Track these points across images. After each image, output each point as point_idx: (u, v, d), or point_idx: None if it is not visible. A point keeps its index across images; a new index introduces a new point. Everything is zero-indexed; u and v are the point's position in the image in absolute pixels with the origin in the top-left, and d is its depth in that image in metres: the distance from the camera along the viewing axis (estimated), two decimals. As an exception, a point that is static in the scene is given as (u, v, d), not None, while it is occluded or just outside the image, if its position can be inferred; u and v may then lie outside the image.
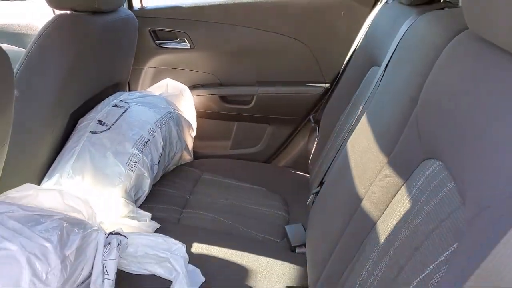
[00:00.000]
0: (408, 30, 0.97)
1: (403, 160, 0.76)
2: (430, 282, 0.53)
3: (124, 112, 1.35)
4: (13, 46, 1.94)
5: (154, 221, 1.18)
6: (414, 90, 0.77)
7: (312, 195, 1.19)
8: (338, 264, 0.84)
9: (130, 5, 1.73)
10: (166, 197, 1.35)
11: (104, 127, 1.28)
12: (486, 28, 0.58)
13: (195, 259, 1.04)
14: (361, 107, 1.10)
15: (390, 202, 0.76)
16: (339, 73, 1.58)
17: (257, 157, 1.84)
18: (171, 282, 0.96)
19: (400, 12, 1.12)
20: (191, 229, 1.20)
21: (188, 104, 1.69)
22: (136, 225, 1.12)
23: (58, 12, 1.31)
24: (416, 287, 0.55)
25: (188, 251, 1.05)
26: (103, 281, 0.86)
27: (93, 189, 1.17)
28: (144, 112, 1.39)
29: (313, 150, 1.56)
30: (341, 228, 0.86)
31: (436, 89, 0.69)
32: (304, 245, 1.14)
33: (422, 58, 0.80)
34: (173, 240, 1.01)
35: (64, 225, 0.84)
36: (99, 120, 1.31)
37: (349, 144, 1.02)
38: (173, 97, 1.61)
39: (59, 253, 0.77)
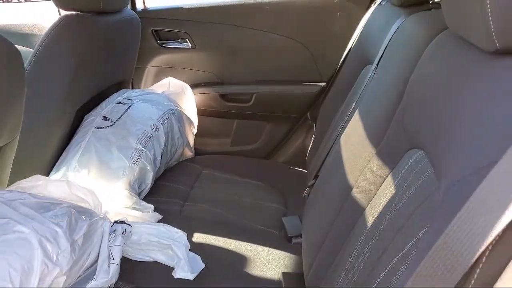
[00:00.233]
0: (397, 30, 1.02)
1: (389, 151, 0.81)
2: (409, 257, 0.58)
3: (128, 108, 1.41)
4: (20, 46, 2.00)
5: (157, 213, 1.23)
6: (400, 86, 0.83)
7: (307, 188, 1.24)
8: (330, 250, 0.89)
9: (134, 6, 1.78)
10: (168, 190, 1.40)
11: (109, 123, 1.34)
12: (462, 28, 0.63)
13: (195, 248, 1.09)
14: (353, 104, 1.16)
15: (378, 189, 0.81)
16: (335, 72, 1.63)
17: (256, 154, 1.89)
18: (173, 268, 1.02)
19: (392, 13, 1.17)
20: (192, 220, 1.25)
21: (189, 102, 1.74)
22: (139, 216, 1.17)
23: (64, 12, 1.36)
24: (396, 263, 0.61)
25: (189, 240, 1.10)
26: (109, 266, 0.91)
27: (98, 182, 1.22)
28: (147, 108, 1.44)
29: (310, 146, 1.61)
30: (333, 216, 0.92)
31: (419, 84, 0.75)
32: (300, 235, 1.19)
33: (408, 56, 0.86)
34: (175, 229, 1.06)
35: (73, 212, 0.89)
36: (104, 116, 1.36)
37: (342, 139, 1.07)
38: (175, 95, 1.67)
39: (68, 237, 0.82)
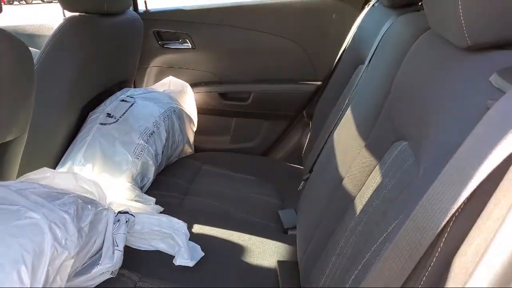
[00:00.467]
0: (387, 31, 1.08)
1: (377, 143, 0.87)
2: (390, 236, 0.64)
3: (130, 106, 1.46)
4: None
5: (158, 205, 1.28)
6: (388, 83, 0.88)
7: (303, 182, 1.30)
8: (322, 238, 0.94)
9: (136, 8, 1.84)
10: (169, 185, 1.45)
11: (112, 120, 1.39)
12: (441, 27, 0.69)
13: (195, 238, 1.14)
14: (346, 102, 1.21)
15: (366, 179, 0.86)
16: (330, 71, 1.68)
17: (255, 151, 1.94)
18: (173, 257, 1.07)
19: (383, 14, 1.22)
20: (192, 213, 1.30)
21: (189, 101, 1.79)
22: (141, 207, 1.22)
23: (68, 14, 1.41)
24: (379, 244, 0.66)
25: (189, 231, 1.15)
26: (113, 252, 0.97)
27: (102, 175, 1.28)
28: (149, 106, 1.50)
29: (306, 143, 1.66)
30: (324, 206, 0.97)
31: (404, 81, 0.80)
32: (295, 227, 1.24)
33: (395, 55, 0.91)
34: (176, 219, 1.11)
35: (79, 202, 0.94)
36: (108, 113, 1.42)
37: (335, 134, 1.12)
38: (175, 93, 1.72)
39: (76, 224, 0.87)
